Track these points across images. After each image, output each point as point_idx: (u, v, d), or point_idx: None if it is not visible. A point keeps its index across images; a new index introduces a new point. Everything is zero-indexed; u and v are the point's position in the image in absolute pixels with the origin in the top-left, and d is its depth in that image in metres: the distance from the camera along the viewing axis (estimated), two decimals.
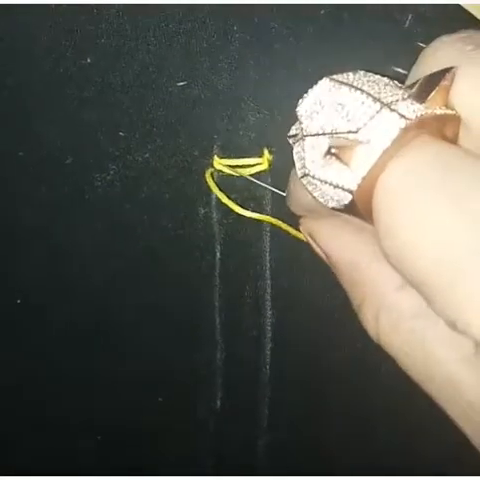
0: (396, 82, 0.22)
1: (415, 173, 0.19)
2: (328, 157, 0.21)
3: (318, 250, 0.26)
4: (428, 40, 0.33)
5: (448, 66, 0.21)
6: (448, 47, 0.22)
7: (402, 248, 0.19)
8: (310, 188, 0.22)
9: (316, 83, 0.22)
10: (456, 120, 0.21)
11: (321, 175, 0.21)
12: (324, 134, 0.21)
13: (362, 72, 0.22)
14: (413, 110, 0.20)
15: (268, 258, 0.38)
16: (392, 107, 0.20)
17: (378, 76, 0.22)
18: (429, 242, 0.19)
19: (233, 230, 0.37)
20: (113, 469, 0.42)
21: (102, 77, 0.35)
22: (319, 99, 0.22)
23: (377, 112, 0.20)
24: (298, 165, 0.22)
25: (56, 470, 0.41)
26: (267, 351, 0.39)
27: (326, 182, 0.21)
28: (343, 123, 0.21)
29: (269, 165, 0.35)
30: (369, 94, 0.21)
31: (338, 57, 0.34)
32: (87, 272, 0.39)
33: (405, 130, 0.20)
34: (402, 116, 0.20)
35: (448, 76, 0.21)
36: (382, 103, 0.20)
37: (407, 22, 0.33)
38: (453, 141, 0.21)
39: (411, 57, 0.33)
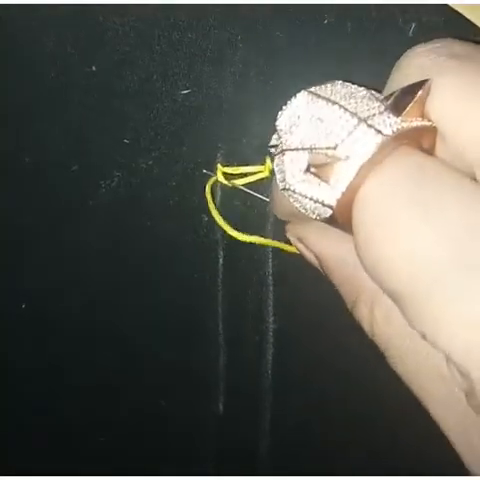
0: (373, 92, 0.22)
1: (390, 187, 0.20)
2: (308, 173, 0.21)
3: (307, 253, 0.26)
4: None
5: (422, 77, 0.21)
6: (422, 57, 0.22)
7: (377, 261, 0.20)
8: (291, 200, 0.22)
9: (294, 96, 0.23)
10: (433, 131, 0.21)
11: (301, 190, 0.22)
12: (303, 149, 0.21)
13: (340, 83, 0.23)
14: (390, 124, 0.21)
15: (270, 264, 0.38)
16: (369, 122, 0.21)
17: (355, 86, 0.23)
18: (402, 256, 0.19)
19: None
20: (115, 470, 0.42)
21: (107, 85, 0.35)
22: (297, 113, 0.22)
23: (354, 127, 0.21)
24: (279, 178, 0.22)
25: (57, 470, 0.41)
26: (269, 356, 0.40)
27: (306, 197, 0.21)
28: (322, 139, 0.21)
29: (271, 173, 0.35)
30: (346, 109, 0.21)
31: (341, 66, 0.34)
32: (91, 277, 0.40)
33: (382, 145, 0.20)
34: (379, 132, 0.20)
35: (424, 88, 0.21)
36: (359, 118, 0.21)
37: (410, 31, 0.33)
38: (430, 151, 0.22)
39: None
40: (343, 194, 0.20)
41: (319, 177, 0.21)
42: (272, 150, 0.23)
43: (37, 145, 0.37)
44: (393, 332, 0.23)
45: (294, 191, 0.22)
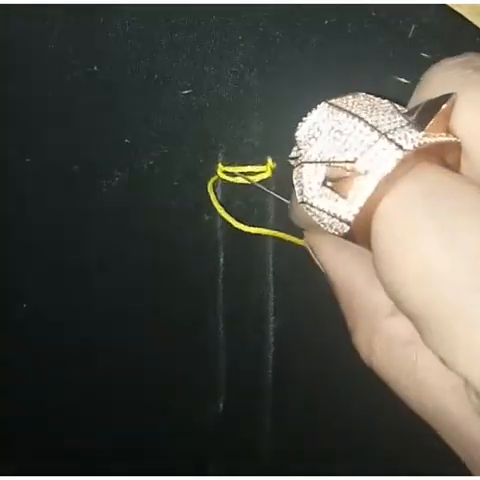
0: (397, 105, 0.22)
1: (409, 205, 0.19)
2: (325, 187, 0.21)
3: (319, 265, 0.26)
4: (432, 51, 0.33)
5: (448, 91, 0.20)
6: (448, 71, 0.21)
7: (394, 281, 0.19)
8: (309, 214, 0.22)
9: (315, 107, 0.22)
10: (457, 146, 0.21)
11: (319, 204, 0.21)
12: (322, 162, 0.21)
13: (362, 95, 0.22)
14: (411, 139, 0.20)
15: (271, 263, 0.38)
16: (389, 137, 0.20)
17: (378, 99, 0.22)
18: (420, 278, 0.18)
19: (237, 236, 0.37)
20: (115, 469, 0.42)
21: (108, 85, 0.35)
22: (317, 125, 0.22)
23: (375, 142, 0.20)
24: (297, 190, 0.22)
25: (56, 470, 0.41)
26: (269, 355, 0.40)
27: (324, 211, 0.21)
28: (341, 152, 0.21)
29: (272, 173, 0.36)
30: (367, 122, 0.21)
31: (342, 66, 0.34)
32: (92, 277, 0.40)
33: (402, 161, 0.20)
34: (399, 147, 0.20)
35: (449, 102, 0.20)
36: (379, 132, 0.20)
37: (411, 32, 0.33)
38: (455, 167, 0.21)
39: (415, 67, 0.34)
40: (361, 209, 0.20)
41: (337, 192, 0.20)
42: (292, 162, 0.23)
43: (38, 145, 0.37)
44: (393, 366, 0.22)
45: (312, 205, 0.21)
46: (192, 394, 0.41)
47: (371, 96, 0.22)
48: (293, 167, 0.23)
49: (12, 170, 0.38)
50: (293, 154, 0.23)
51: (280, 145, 0.35)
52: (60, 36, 0.34)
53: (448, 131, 0.21)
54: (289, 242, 0.35)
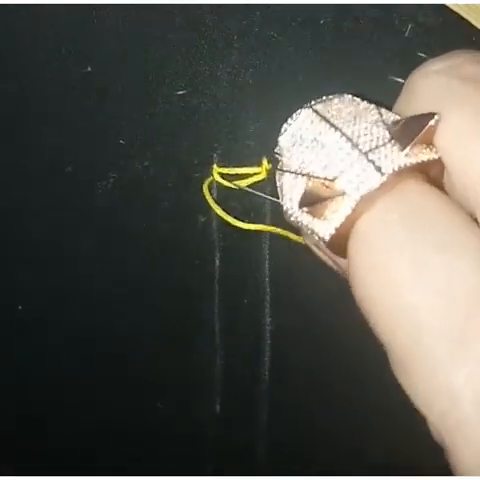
0: (382, 111, 0.21)
1: (385, 230, 0.19)
2: (303, 207, 0.21)
3: (325, 258, 0.26)
4: (429, 50, 0.33)
5: (433, 104, 0.20)
6: (433, 81, 0.21)
7: (364, 303, 0.19)
8: (292, 220, 0.22)
9: (299, 110, 0.22)
10: (440, 160, 0.20)
11: (298, 217, 0.21)
12: (302, 174, 0.21)
13: (348, 98, 0.22)
14: (391, 160, 0.20)
15: (267, 265, 0.38)
16: (370, 157, 0.20)
17: (364, 104, 0.22)
18: (387, 308, 0.18)
19: (232, 238, 0.37)
20: (114, 471, 0.42)
21: (102, 85, 0.35)
22: (300, 133, 0.22)
23: (355, 161, 0.20)
24: (280, 195, 0.22)
25: (56, 470, 0.41)
26: (266, 357, 0.40)
27: (303, 224, 0.21)
28: (321, 167, 0.21)
29: (268, 174, 0.35)
30: (349, 138, 0.20)
31: (338, 66, 0.34)
32: (87, 278, 0.40)
33: (381, 183, 0.19)
34: (378, 169, 0.20)
35: (433, 121, 0.20)
36: (360, 151, 0.20)
37: (407, 32, 0.33)
38: (437, 179, 0.21)
39: (412, 67, 0.33)
40: (337, 230, 0.20)
41: (313, 213, 0.20)
42: (277, 156, 0.23)
43: (32, 146, 0.37)
44: None
45: (291, 215, 0.21)
46: (188, 396, 0.41)
47: (358, 99, 0.22)
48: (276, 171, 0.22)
49: (6, 172, 0.38)
50: (277, 150, 0.22)
51: (276, 146, 0.35)
52: (53, 37, 0.34)
53: (432, 144, 0.20)
54: (286, 242, 0.35)
